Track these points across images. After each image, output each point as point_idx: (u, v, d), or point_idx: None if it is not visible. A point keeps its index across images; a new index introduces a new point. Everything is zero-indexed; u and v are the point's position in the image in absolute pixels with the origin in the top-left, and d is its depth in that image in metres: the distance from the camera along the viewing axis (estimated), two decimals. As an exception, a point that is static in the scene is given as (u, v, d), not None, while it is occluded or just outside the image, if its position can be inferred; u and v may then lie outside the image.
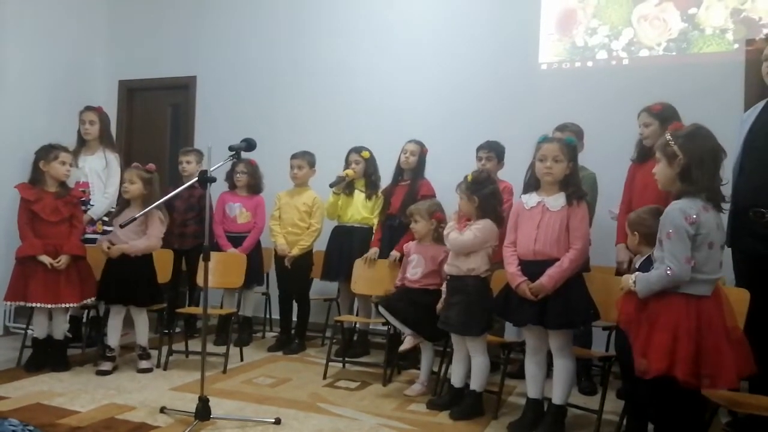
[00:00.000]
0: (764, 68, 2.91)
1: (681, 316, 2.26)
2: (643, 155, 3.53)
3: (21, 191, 3.78)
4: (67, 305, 3.77)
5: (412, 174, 4.27)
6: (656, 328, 2.28)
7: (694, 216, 2.28)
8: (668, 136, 2.42)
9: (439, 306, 3.39)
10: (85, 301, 3.85)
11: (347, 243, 4.44)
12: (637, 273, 2.44)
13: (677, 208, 2.31)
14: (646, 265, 2.51)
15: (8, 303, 3.88)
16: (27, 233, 3.75)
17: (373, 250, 4.22)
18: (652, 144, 3.45)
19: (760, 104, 3.01)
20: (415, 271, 3.60)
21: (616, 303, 2.58)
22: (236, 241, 4.69)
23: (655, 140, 3.40)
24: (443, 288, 3.40)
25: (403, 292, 3.65)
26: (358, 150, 4.50)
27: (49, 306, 3.69)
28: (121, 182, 4.02)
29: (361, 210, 4.46)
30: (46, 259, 3.67)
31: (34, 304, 3.70)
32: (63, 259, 3.71)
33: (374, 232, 4.37)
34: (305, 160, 4.61)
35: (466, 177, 3.32)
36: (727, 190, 2.61)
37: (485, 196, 3.25)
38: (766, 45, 2.97)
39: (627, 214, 3.52)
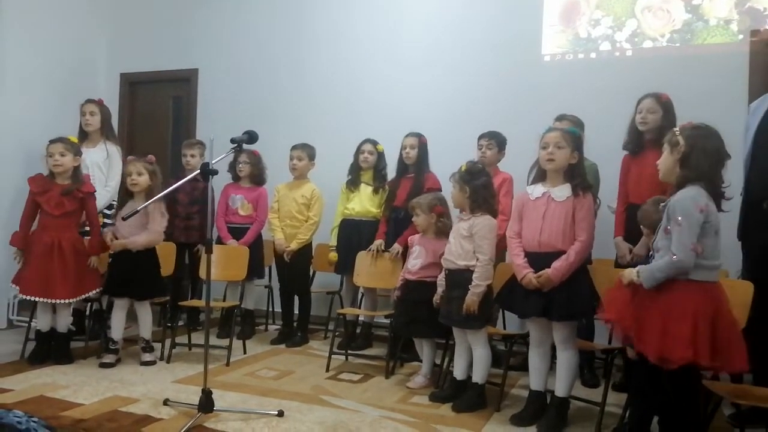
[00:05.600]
0: None
1: (698, 304, 2.25)
2: (637, 144, 3.48)
3: (29, 182, 3.81)
4: (58, 301, 3.70)
5: (415, 167, 4.25)
6: (673, 317, 2.26)
7: (704, 204, 2.29)
8: (676, 129, 2.43)
9: (436, 299, 3.39)
10: (79, 297, 3.79)
11: (355, 236, 4.43)
12: (640, 266, 2.42)
13: (688, 196, 2.30)
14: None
15: (12, 295, 3.88)
16: (23, 224, 3.78)
17: (378, 242, 4.22)
18: (647, 131, 3.42)
19: None
20: (415, 262, 3.59)
21: (606, 296, 2.56)
22: (238, 232, 4.68)
23: (653, 128, 3.39)
24: (438, 281, 3.40)
25: (402, 301, 3.62)
26: (373, 142, 4.50)
27: (39, 300, 3.69)
28: (124, 174, 4.00)
29: (366, 204, 4.45)
30: (17, 253, 3.74)
31: (25, 297, 3.71)
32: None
33: (379, 225, 4.36)
34: (305, 152, 4.60)
35: (460, 167, 3.32)
36: (738, 182, 2.58)
37: (477, 187, 3.24)
38: None
39: (624, 208, 3.53)
